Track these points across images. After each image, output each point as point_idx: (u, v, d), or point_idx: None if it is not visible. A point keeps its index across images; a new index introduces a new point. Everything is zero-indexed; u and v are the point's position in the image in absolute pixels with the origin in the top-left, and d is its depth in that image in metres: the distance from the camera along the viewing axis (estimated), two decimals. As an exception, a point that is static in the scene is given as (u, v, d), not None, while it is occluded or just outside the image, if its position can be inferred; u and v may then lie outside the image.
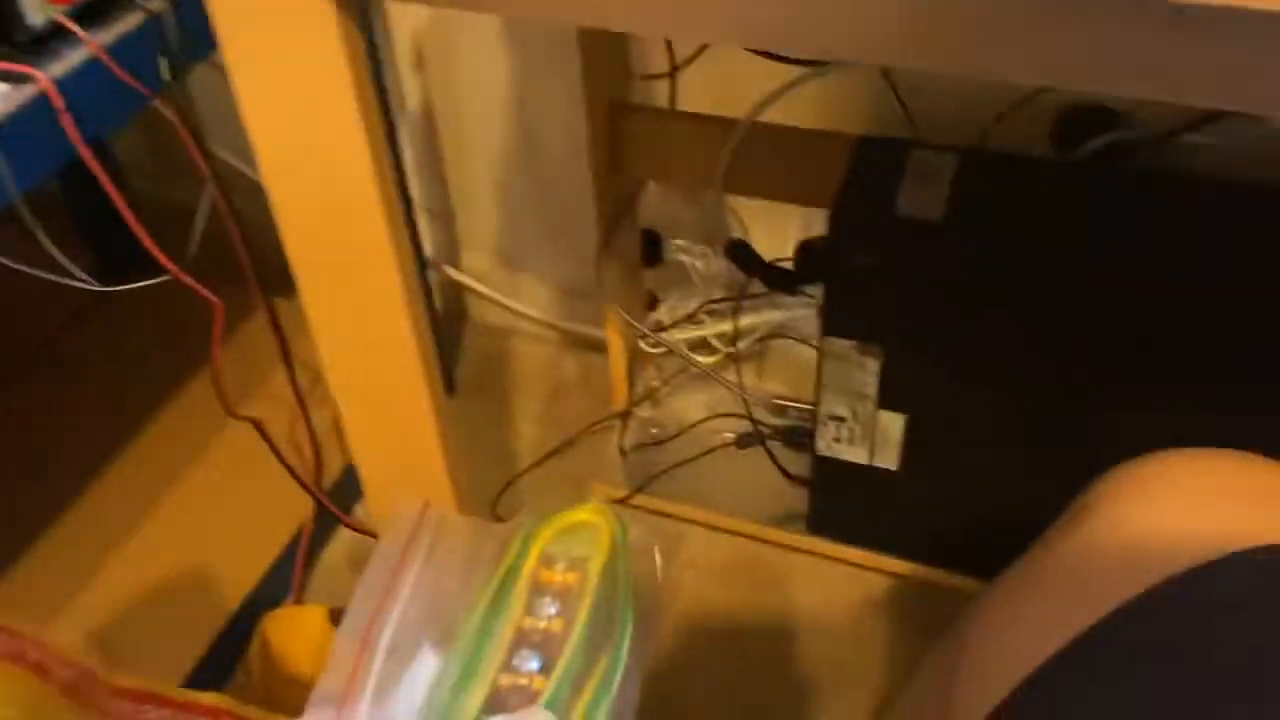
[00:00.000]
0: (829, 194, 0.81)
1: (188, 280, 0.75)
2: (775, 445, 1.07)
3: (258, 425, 0.94)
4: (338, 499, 1.01)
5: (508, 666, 0.31)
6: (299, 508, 1.03)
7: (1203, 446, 0.53)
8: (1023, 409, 0.86)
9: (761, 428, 1.07)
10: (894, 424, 0.89)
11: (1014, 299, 0.79)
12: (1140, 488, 0.52)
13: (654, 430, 1.13)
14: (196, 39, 0.73)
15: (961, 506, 0.94)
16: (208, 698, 0.73)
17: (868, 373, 0.86)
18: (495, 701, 0.30)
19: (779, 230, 1.08)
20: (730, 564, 1.04)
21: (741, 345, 1.15)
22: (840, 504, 1.00)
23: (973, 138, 0.91)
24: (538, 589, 0.33)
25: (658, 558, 0.38)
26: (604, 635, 0.32)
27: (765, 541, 1.05)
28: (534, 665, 0.30)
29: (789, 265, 1.01)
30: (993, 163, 0.84)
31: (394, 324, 0.58)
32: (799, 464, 1.04)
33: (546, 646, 0.31)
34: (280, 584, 1.02)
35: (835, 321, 0.85)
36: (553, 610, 0.32)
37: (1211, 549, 0.45)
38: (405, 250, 0.56)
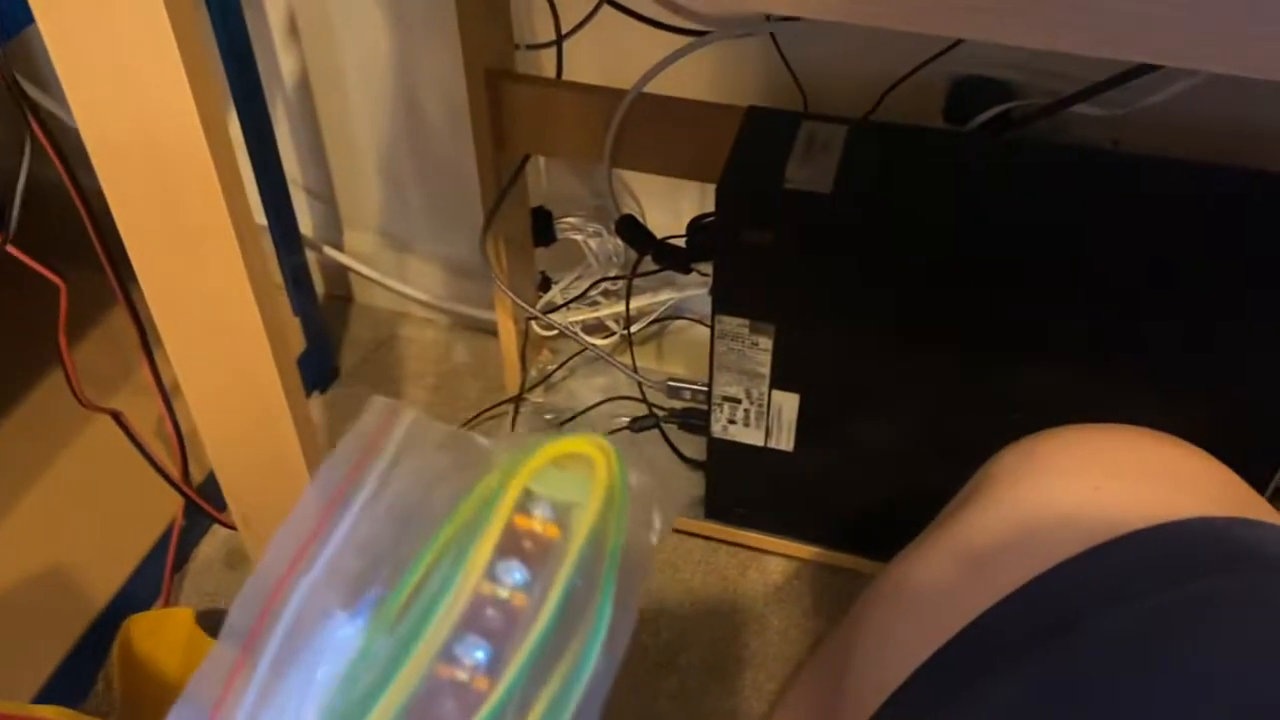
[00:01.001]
0: (719, 168, 0.78)
1: (18, 254, 0.69)
2: (672, 428, 1.04)
3: (117, 417, 0.88)
4: (210, 495, 0.95)
5: (448, 652, 0.25)
6: (168, 505, 0.97)
7: (1097, 420, 0.52)
8: (918, 385, 0.84)
9: (657, 411, 1.04)
10: (789, 404, 0.87)
11: (905, 272, 0.78)
12: (1033, 466, 0.51)
13: (548, 415, 1.10)
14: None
15: (859, 487, 0.92)
16: (45, 711, 0.67)
17: (760, 351, 0.84)
18: (421, 702, 0.24)
19: (674, 206, 1.05)
20: (627, 551, 1.01)
21: (638, 326, 1.12)
22: (737, 487, 0.98)
23: (866, 111, 0.89)
24: (508, 540, 0.27)
25: (656, 521, 0.30)
26: (575, 620, 0.26)
27: (662, 527, 1.03)
28: (480, 656, 0.25)
29: (682, 242, 0.98)
30: (882, 134, 0.82)
31: (238, 307, 0.53)
32: (696, 447, 1.01)
33: (501, 630, 0.25)
34: (149, 586, 0.96)
35: (726, 299, 0.82)
36: (519, 578, 0.26)
37: (1105, 530, 0.44)
38: (248, 225, 0.52)
